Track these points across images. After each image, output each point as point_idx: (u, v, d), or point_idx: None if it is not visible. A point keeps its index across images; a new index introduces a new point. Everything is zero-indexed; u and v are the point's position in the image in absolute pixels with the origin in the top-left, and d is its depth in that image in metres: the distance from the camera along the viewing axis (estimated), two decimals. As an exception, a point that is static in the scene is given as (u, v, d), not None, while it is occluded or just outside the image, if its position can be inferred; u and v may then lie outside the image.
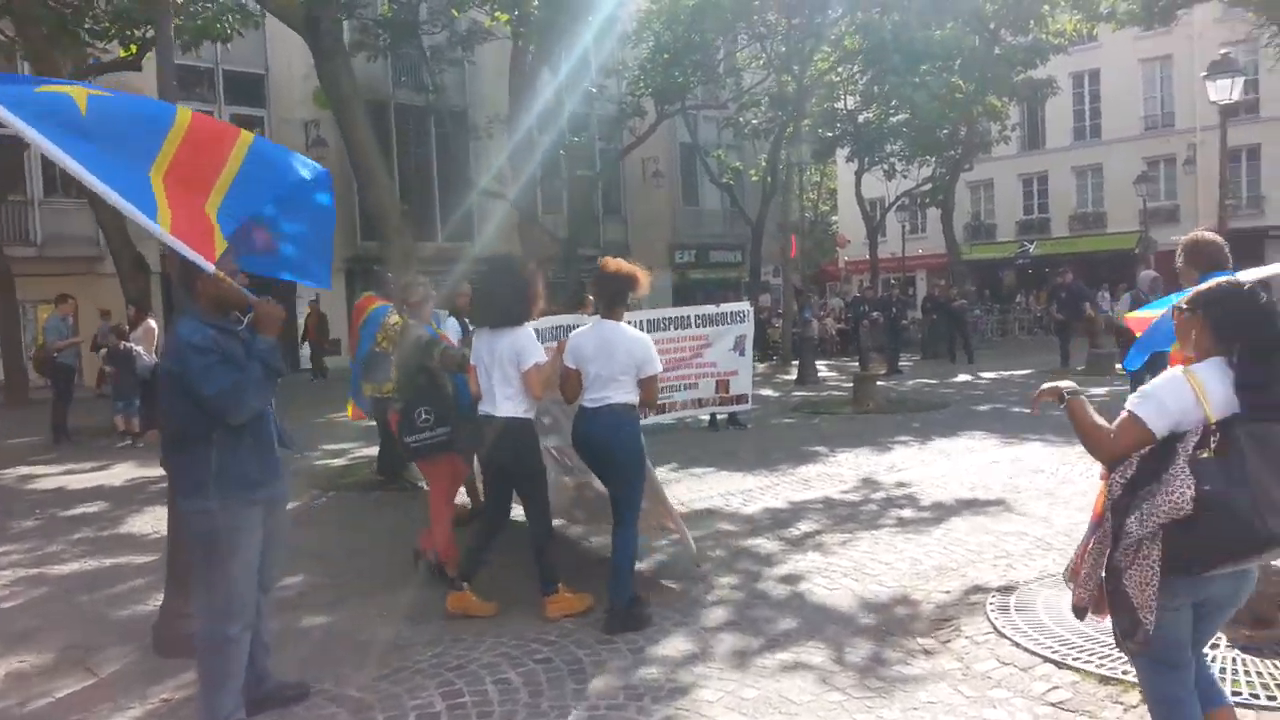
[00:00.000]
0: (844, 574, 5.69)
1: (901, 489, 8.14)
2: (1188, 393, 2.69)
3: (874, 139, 30.04)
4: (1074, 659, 4.22)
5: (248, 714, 3.74)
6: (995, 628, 4.66)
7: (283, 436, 3.88)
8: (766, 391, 16.94)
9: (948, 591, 5.31)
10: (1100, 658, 4.20)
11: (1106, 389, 15.07)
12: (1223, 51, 13.14)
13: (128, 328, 12.96)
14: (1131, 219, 35.07)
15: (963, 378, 18.33)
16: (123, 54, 13.98)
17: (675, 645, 4.62)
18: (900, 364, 20.39)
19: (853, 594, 5.32)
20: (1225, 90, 12.47)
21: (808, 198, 45.42)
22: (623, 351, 4.88)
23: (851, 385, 14.67)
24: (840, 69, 26.79)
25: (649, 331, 10.82)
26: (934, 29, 20.40)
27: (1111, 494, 2.79)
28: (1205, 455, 2.62)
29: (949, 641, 4.55)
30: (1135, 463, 2.75)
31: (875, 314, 19.38)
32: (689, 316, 11.54)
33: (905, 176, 31.77)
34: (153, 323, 12.82)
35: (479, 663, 4.46)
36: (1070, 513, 7.03)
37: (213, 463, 3.55)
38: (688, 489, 8.50)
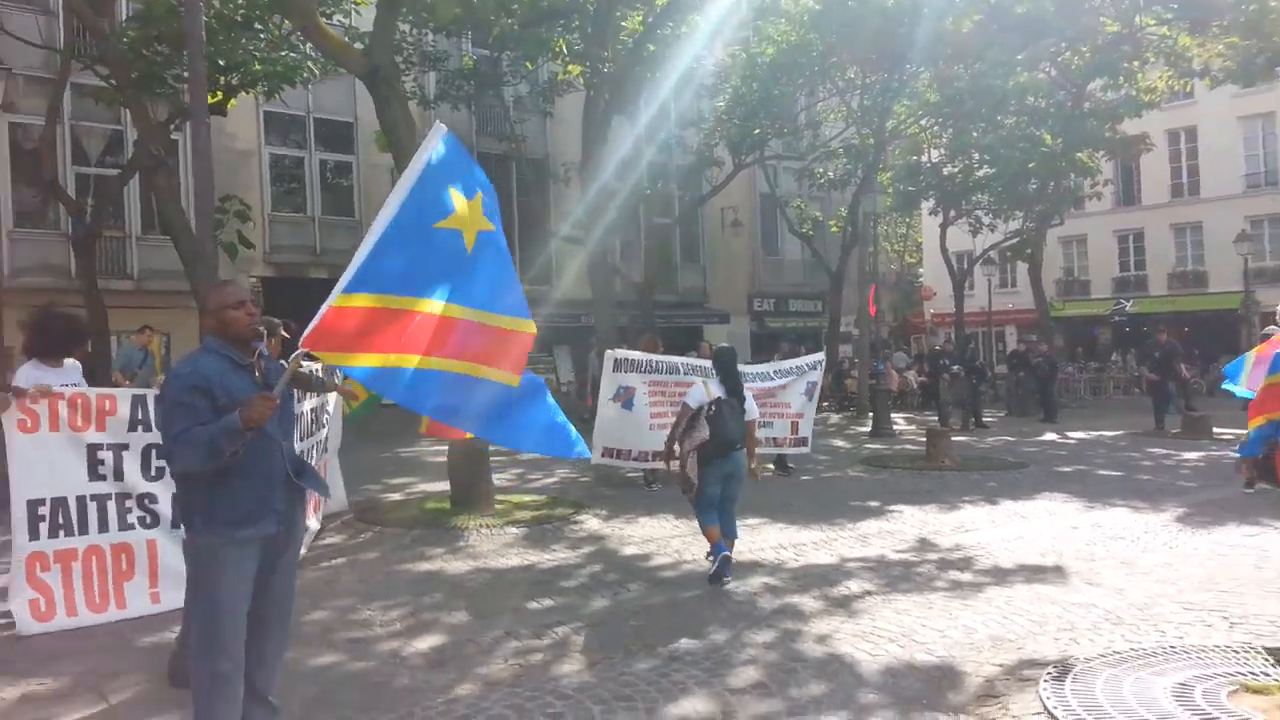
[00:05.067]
0: (890, 639, 5.32)
1: (964, 551, 7.67)
2: (704, 392, 6.68)
3: (959, 192, 29.47)
4: (1133, 747, 3.81)
5: None
6: (1046, 708, 4.25)
7: (301, 472, 3.70)
8: (838, 443, 16.47)
9: (1000, 665, 4.90)
10: (1162, 747, 3.78)
11: (1202, 454, 14.20)
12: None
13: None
14: (1235, 278, 33.50)
15: (1049, 437, 17.53)
16: (209, 99, 14.54)
17: (694, 705, 4.34)
18: (985, 420, 19.69)
19: (896, 661, 4.95)
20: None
21: (893, 250, 44.81)
22: None
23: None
24: (923, 121, 26.47)
25: (749, 383, 10.82)
26: (1010, 80, 19.97)
27: (676, 430, 6.82)
28: (710, 413, 6.56)
29: None
30: (684, 421, 6.70)
31: (955, 368, 18.74)
32: (769, 371, 11.86)
33: (992, 230, 31.02)
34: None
35: (487, 714, 4.25)
36: (1148, 584, 6.50)
37: (198, 495, 3.45)
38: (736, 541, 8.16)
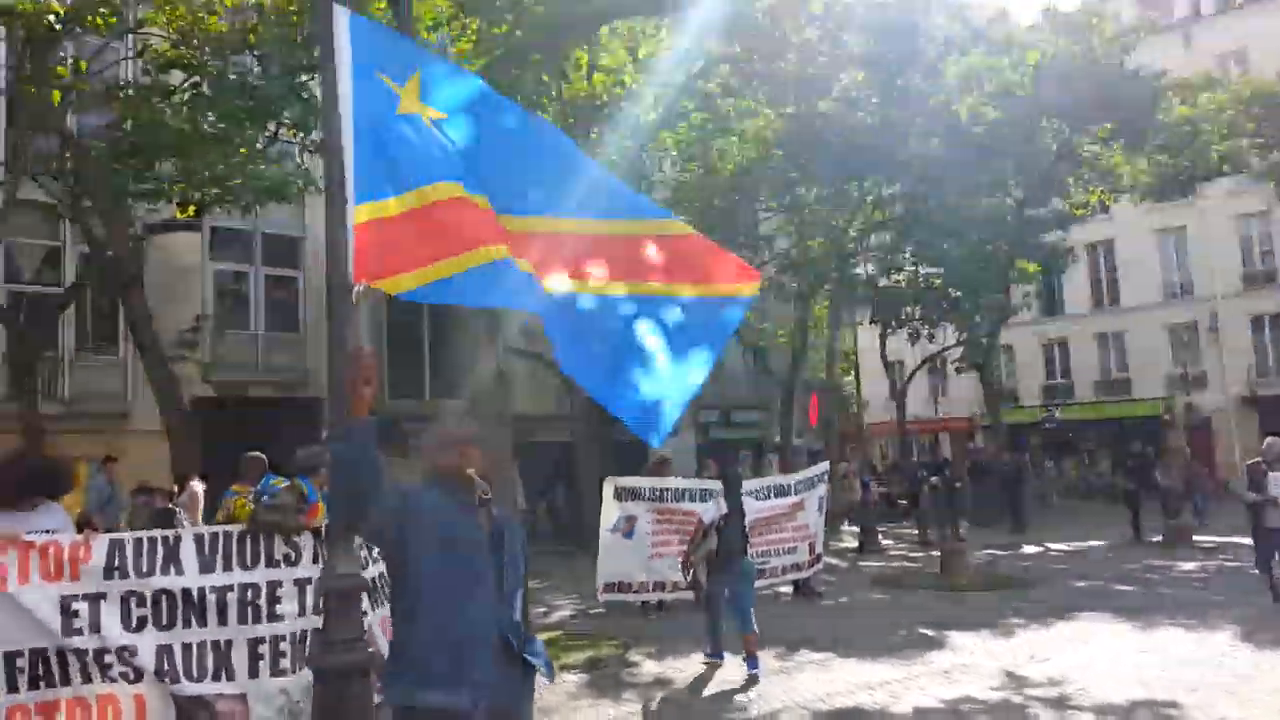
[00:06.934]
0: (1077, 802, 4.80)
1: (1060, 687, 7.22)
2: (717, 508, 8.32)
3: (898, 303, 30.01)
4: None
5: None
6: None
7: (520, 641, 3.03)
8: (833, 561, 16.00)
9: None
10: None
11: (1198, 564, 14.17)
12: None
13: (176, 489, 12.12)
14: (1156, 385, 34.85)
15: (1032, 549, 17.39)
16: (178, 215, 13.77)
17: None
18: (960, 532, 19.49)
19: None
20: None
21: (821, 359, 45.34)
22: None
23: (933, 557, 13.82)
24: (875, 236, 27.12)
25: (757, 500, 10.30)
26: (972, 202, 20.70)
27: (694, 545, 8.37)
28: (720, 526, 8.17)
29: None
30: (700, 532, 8.35)
31: (934, 479, 18.57)
32: (789, 484, 11.14)
33: (930, 340, 31.67)
34: (198, 486, 12.03)
35: None
36: (1271, 716, 6.14)
37: (394, 634, 2.93)
38: (815, 679, 7.58)
